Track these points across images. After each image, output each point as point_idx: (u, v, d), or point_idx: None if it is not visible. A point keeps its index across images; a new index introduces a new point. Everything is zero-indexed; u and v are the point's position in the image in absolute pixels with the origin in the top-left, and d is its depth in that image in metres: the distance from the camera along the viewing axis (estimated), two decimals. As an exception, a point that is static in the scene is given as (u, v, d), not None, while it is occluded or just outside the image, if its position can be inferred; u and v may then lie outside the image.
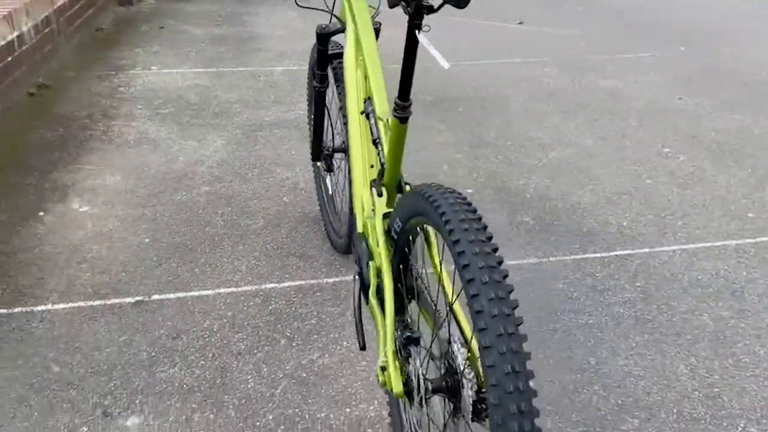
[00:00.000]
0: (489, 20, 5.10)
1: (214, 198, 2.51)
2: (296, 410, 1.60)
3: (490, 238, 0.98)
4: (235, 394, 1.65)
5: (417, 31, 1.17)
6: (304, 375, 1.71)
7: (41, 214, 2.38)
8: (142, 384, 1.66)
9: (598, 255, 2.25)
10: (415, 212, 1.17)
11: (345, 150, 2.13)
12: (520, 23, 5.11)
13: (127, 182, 2.61)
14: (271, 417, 1.59)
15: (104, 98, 3.40)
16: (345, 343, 1.82)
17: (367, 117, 1.55)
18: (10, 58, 3.21)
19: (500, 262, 0.95)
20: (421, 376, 1.12)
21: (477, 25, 4.95)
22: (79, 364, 1.72)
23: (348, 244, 2.17)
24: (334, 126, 2.08)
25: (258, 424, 1.57)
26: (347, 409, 1.61)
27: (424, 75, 3.90)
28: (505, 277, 0.94)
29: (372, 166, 1.62)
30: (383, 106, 1.52)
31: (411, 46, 1.20)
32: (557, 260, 2.21)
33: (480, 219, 1.01)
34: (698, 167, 2.86)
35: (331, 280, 2.07)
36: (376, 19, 1.88)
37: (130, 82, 3.62)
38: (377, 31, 1.89)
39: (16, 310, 1.90)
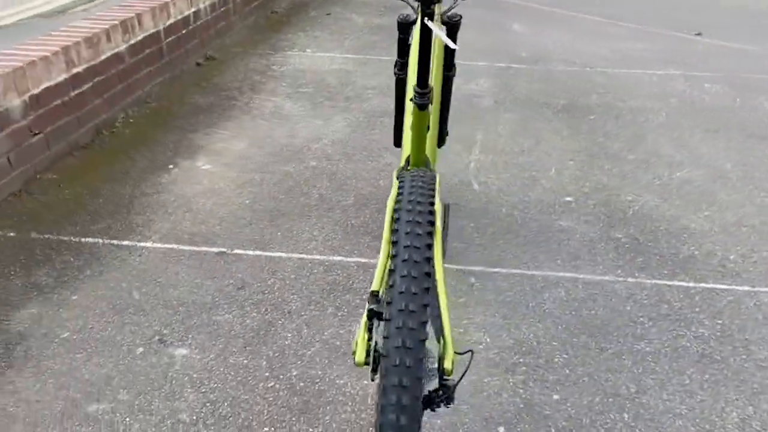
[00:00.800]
0: (664, 29, 4.77)
1: (318, 173, 2.69)
2: (319, 372, 1.71)
3: (430, 223, 1.00)
4: (271, 347, 1.79)
5: (426, 19, 1.20)
6: (338, 343, 1.81)
7: (171, 167, 2.71)
8: (199, 322, 1.87)
9: (685, 284, 2.08)
10: None
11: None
12: (697, 34, 4.72)
13: (250, 149, 2.88)
14: (295, 373, 1.71)
15: (257, 74, 3.74)
16: (386, 321, 1.88)
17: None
18: (184, 31, 3.65)
19: (429, 245, 0.97)
20: (372, 348, 1.17)
21: (648, 33, 4.66)
22: (156, 296, 1.97)
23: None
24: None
25: (281, 376, 1.70)
26: (365, 382, 1.68)
27: (566, 78, 3.79)
28: (429, 259, 0.96)
29: (418, 153, 1.67)
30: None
31: (424, 34, 1.23)
32: (635, 282, 2.08)
33: (428, 203, 1.03)
34: None
35: (396, 263, 2.14)
36: (454, 11, 1.91)
37: (284, 62, 3.94)
38: (457, 24, 1.92)
39: (125, 242, 2.21)
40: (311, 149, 2.88)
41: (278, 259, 2.15)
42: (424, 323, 0.93)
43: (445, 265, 2.13)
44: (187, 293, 1.98)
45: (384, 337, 0.92)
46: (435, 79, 1.71)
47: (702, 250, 2.25)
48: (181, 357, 1.75)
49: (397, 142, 2.21)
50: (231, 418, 1.57)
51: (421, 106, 1.32)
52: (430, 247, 0.98)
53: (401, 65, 2.02)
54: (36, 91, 2.54)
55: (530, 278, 2.09)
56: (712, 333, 1.88)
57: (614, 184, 2.67)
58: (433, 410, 1.24)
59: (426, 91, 1.30)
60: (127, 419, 1.56)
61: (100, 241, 2.22)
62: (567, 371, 1.74)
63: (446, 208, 1.74)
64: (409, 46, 1.95)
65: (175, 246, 2.20)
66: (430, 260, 0.97)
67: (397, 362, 0.88)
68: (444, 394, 1.21)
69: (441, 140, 2.20)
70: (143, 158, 2.78)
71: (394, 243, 0.99)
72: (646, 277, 2.11)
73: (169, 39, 3.49)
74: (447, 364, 1.21)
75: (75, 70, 2.75)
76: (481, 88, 3.63)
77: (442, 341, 1.26)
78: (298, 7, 5.12)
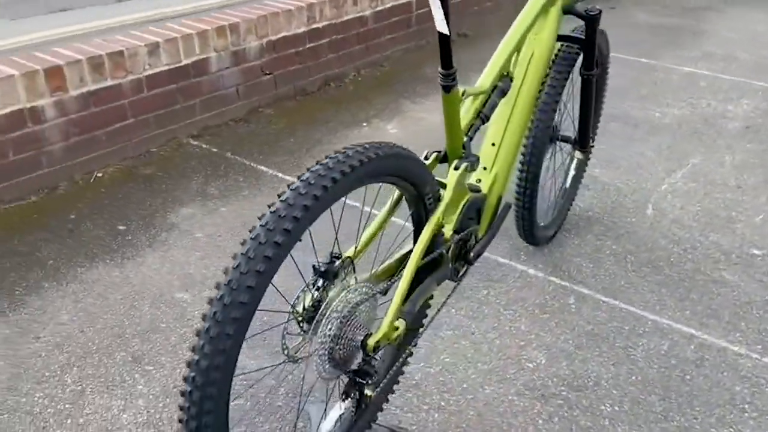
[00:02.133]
0: None
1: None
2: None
3: (314, 197, 1.01)
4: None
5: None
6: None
7: (364, 124, 2.94)
8: (296, 257, 2.06)
9: (841, 389, 1.61)
10: None
11: (566, 139, 2.03)
12: None
13: (441, 123, 2.95)
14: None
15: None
16: (449, 319, 1.85)
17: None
18: (440, 6, 3.82)
19: (295, 218, 0.99)
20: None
21: None
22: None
23: (543, 236, 2.08)
24: (561, 113, 1.98)
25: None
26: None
27: None
28: (287, 231, 0.98)
29: (493, 144, 1.61)
30: (481, 80, 1.51)
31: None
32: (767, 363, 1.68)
33: (330, 179, 1.03)
34: None
35: (503, 261, 2.06)
36: (595, 6, 1.75)
37: (531, 49, 3.86)
38: (595, 18, 1.75)
39: (286, 176, 2.51)
40: (498, 135, 2.84)
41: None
42: (250, 287, 0.96)
43: (550, 278, 1.98)
44: (304, 231, 2.19)
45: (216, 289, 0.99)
46: (532, 72, 1.61)
47: None
48: (264, 280, 1.97)
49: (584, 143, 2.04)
50: (264, 340, 1.74)
51: (446, 88, 1.28)
52: (296, 219, 1.00)
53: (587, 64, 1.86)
54: (274, 38, 2.97)
55: (637, 319, 1.83)
56: (834, 456, 1.45)
57: (834, 250, 2.13)
58: (360, 381, 1.24)
59: (449, 72, 1.26)
60: (195, 312, 1.84)
61: (269, 171, 2.55)
62: (606, 423, 1.52)
63: (506, 208, 1.63)
64: (585, 41, 1.80)
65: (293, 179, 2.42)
66: (288, 232, 0.99)
67: (216, 315, 0.96)
68: (362, 365, 1.21)
69: (584, 146, 2.02)
70: (348, 113, 3.05)
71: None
72: (791, 365, 1.68)
73: (421, 11, 3.69)
74: (369, 342, 1.21)
75: (315, 26, 3.12)
76: (738, 110, 3.12)
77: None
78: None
